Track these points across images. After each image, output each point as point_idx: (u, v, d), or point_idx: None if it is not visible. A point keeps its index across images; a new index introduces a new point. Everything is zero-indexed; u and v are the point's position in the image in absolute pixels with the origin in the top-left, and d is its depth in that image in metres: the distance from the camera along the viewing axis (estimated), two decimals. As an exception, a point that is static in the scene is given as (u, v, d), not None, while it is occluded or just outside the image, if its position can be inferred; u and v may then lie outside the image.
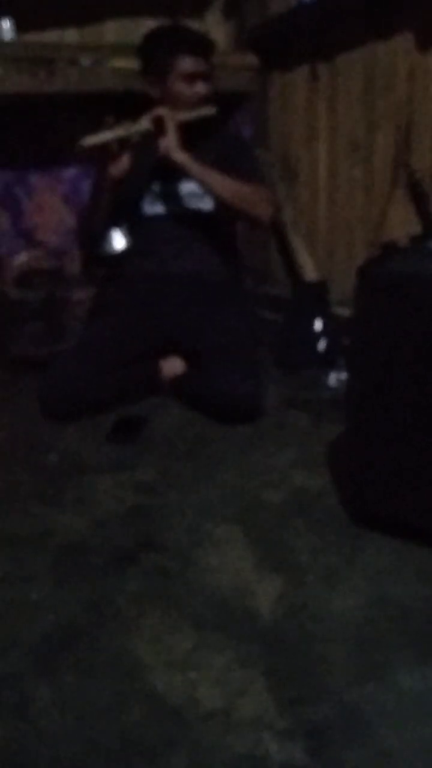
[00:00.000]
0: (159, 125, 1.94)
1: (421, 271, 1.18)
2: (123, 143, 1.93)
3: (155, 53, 2.03)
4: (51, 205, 2.95)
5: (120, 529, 1.38)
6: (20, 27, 2.75)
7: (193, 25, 2.97)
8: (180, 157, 1.94)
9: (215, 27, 3.06)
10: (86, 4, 2.88)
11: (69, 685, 0.98)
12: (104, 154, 1.94)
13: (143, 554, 1.29)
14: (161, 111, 1.95)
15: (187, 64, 2.00)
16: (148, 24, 2.55)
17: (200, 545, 1.31)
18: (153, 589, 1.19)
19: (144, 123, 1.94)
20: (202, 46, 2.04)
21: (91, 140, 1.88)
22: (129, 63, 2.56)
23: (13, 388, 2.17)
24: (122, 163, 1.96)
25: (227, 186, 1.98)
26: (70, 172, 2.93)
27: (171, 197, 2.10)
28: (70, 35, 2.90)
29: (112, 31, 2.91)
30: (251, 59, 2.86)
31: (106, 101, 2.25)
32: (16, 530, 1.39)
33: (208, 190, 2.00)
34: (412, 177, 2.20)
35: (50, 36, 2.85)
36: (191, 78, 2.01)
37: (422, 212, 2.15)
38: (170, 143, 1.93)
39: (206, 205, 2.08)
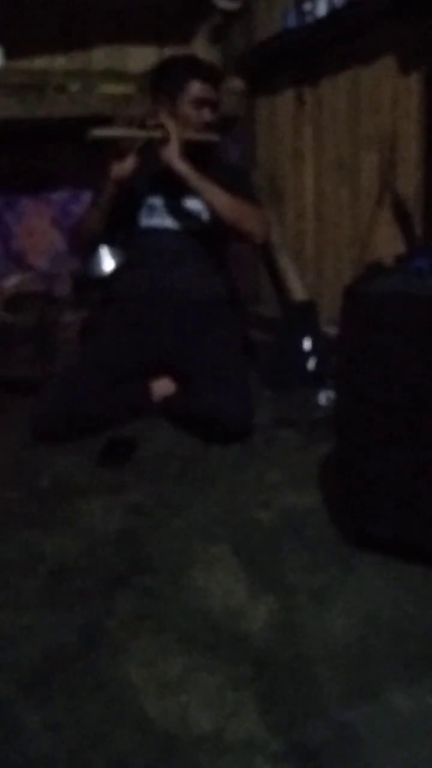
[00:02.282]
0: (164, 135, 1.99)
1: (406, 290, 1.19)
2: (130, 143, 1.97)
3: (169, 76, 2.12)
4: (40, 228, 2.97)
5: (111, 551, 1.37)
6: (10, 53, 2.79)
7: (181, 52, 3.02)
8: (181, 166, 1.99)
9: (202, 52, 3.11)
10: (74, 31, 2.92)
11: (59, 710, 0.97)
12: (111, 149, 1.99)
13: (134, 576, 1.28)
14: (164, 117, 2.01)
15: (197, 89, 2.08)
16: (136, 51, 2.60)
17: (191, 566, 1.30)
18: (144, 612, 1.18)
19: (152, 131, 2.00)
20: (213, 75, 2.15)
21: (101, 132, 1.95)
22: (116, 89, 2.60)
23: (3, 411, 2.16)
24: (126, 165, 1.99)
25: (225, 199, 2.02)
26: (59, 196, 2.96)
27: (167, 211, 2.13)
28: (59, 62, 2.94)
29: (100, 57, 2.95)
30: (238, 83, 2.91)
31: (95, 126, 2.27)
32: (6, 554, 1.38)
33: (206, 201, 2.04)
34: (397, 197, 2.23)
35: (39, 62, 2.90)
36: (200, 103, 2.08)
37: (407, 232, 2.18)
38: (173, 152, 1.98)
39: (201, 221, 2.11)
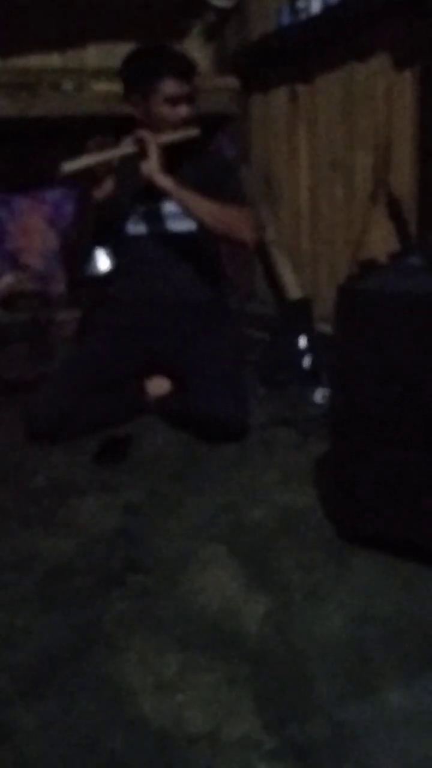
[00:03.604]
0: (141, 147, 1.93)
1: (399, 288, 1.19)
2: (106, 167, 1.91)
3: (138, 75, 2.02)
4: (35, 227, 2.96)
5: (106, 551, 1.37)
6: (2, 52, 2.78)
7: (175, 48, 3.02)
8: (163, 181, 1.92)
9: (196, 50, 3.10)
10: (68, 29, 2.92)
11: (55, 711, 0.97)
12: (87, 178, 1.92)
13: (130, 576, 1.28)
14: (143, 134, 1.94)
15: (170, 86, 1.98)
16: (130, 48, 2.59)
17: (187, 565, 1.30)
18: (140, 611, 1.18)
19: (125, 146, 1.94)
20: (185, 69, 2.01)
21: (72, 166, 1.86)
22: (111, 87, 2.60)
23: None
24: (106, 187, 1.93)
25: (210, 210, 1.96)
26: (53, 195, 2.95)
27: (154, 218, 2.10)
28: (53, 60, 2.93)
29: (93, 55, 2.94)
30: (232, 82, 2.90)
31: (89, 125, 2.27)
32: (2, 553, 1.38)
33: (190, 214, 1.98)
34: (391, 195, 2.23)
35: (32, 61, 2.89)
36: (174, 100, 1.99)
37: (401, 230, 2.18)
38: (152, 167, 1.92)
39: (189, 225, 2.08)
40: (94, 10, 2.90)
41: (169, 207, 2.08)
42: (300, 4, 2.45)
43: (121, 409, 2.01)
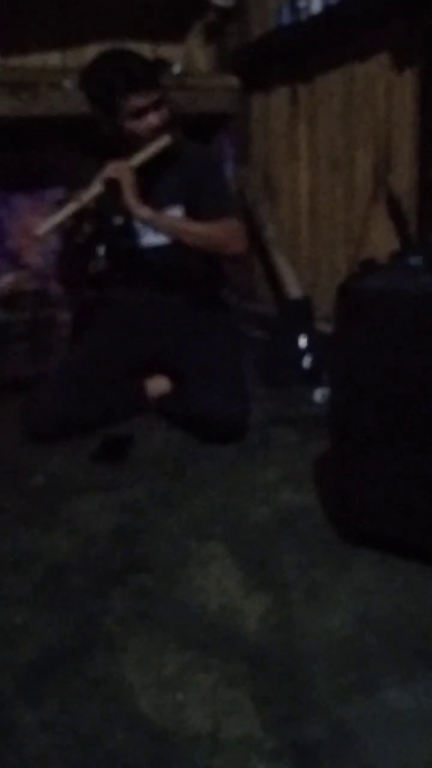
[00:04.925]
0: (113, 184, 1.84)
1: (400, 287, 1.19)
2: (81, 215, 1.84)
3: (99, 94, 1.90)
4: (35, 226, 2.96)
5: (106, 549, 1.38)
6: (3, 51, 2.78)
7: (176, 49, 3.02)
8: (143, 214, 1.86)
9: (197, 50, 3.11)
10: (68, 28, 2.92)
11: (54, 709, 0.97)
12: (66, 229, 1.88)
13: (129, 575, 1.28)
14: (111, 172, 1.84)
15: (134, 102, 1.86)
16: (130, 47, 2.58)
17: (186, 564, 1.31)
18: (139, 610, 1.18)
19: (96, 188, 1.84)
20: (146, 78, 1.87)
21: (46, 227, 1.81)
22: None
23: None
24: (86, 229, 1.88)
25: (195, 233, 1.90)
26: (54, 194, 2.94)
27: (140, 230, 2.06)
28: (53, 59, 2.93)
29: (94, 54, 2.93)
30: (232, 81, 2.90)
31: (89, 123, 2.26)
32: (1, 552, 1.38)
33: (176, 240, 1.92)
34: (391, 194, 2.23)
35: (33, 60, 2.88)
36: (141, 113, 1.88)
37: (401, 229, 2.18)
38: (129, 203, 1.84)
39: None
40: (94, 9, 2.90)
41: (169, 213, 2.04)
42: (300, 4, 2.44)
43: (121, 409, 2.01)
